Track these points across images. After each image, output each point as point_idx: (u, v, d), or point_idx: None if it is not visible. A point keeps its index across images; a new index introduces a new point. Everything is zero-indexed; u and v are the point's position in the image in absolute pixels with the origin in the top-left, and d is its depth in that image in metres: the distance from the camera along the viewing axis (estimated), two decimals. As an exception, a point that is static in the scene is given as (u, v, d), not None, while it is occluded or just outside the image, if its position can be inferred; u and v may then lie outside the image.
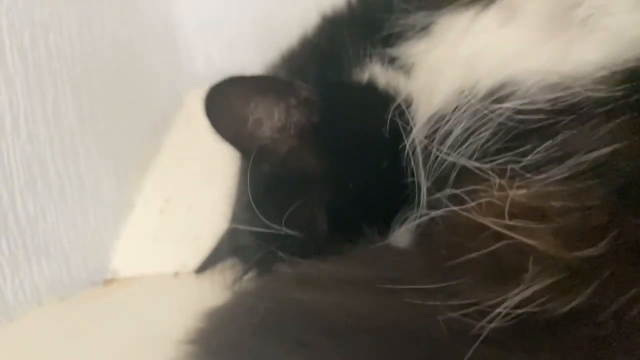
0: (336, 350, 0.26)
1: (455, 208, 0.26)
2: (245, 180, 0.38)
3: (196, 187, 0.64)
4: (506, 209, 0.24)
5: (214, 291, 0.48)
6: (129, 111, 0.68)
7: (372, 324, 0.26)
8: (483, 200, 0.25)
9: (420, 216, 0.33)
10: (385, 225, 0.36)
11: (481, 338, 0.22)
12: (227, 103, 0.35)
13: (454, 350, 0.22)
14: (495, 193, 0.25)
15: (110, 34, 0.65)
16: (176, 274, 0.56)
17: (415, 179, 0.34)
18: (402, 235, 0.35)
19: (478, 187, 0.26)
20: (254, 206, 0.36)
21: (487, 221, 0.24)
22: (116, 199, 0.64)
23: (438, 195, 0.28)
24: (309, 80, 0.39)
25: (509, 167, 0.25)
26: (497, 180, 0.25)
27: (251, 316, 0.33)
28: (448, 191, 0.27)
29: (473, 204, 0.25)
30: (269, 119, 0.37)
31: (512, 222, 0.23)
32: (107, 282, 0.58)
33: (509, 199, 0.24)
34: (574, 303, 0.21)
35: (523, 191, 0.24)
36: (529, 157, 0.25)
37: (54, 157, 0.56)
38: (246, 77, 0.36)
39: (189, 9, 0.77)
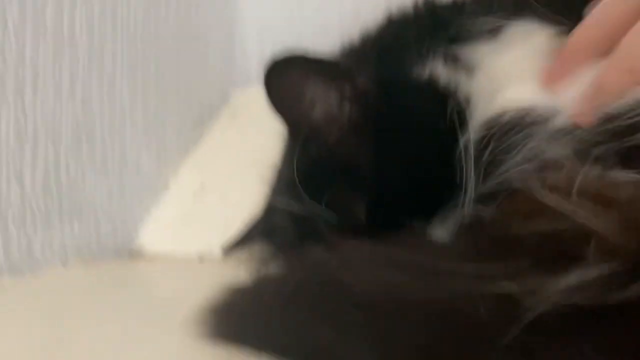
0: (370, 323, 0.25)
1: (519, 185, 0.25)
2: (290, 159, 0.38)
3: (232, 178, 0.64)
4: (574, 190, 0.23)
5: (238, 274, 0.47)
6: (178, 97, 0.69)
7: (410, 301, 0.25)
8: (549, 179, 0.24)
9: (467, 214, 0.33)
10: (426, 220, 0.35)
11: (527, 321, 0.21)
12: (286, 76, 0.36)
13: (497, 333, 0.22)
14: (564, 175, 0.24)
15: (173, 21, 0.67)
16: (201, 257, 0.56)
17: (465, 176, 0.33)
18: (442, 232, 0.34)
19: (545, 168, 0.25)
20: (298, 183, 0.36)
21: (552, 199, 0.23)
22: (153, 178, 0.64)
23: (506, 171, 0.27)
24: (367, 72, 0.39)
25: (578, 158, 0.25)
26: (567, 165, 0.24)
27: (280, 288, 0.32)
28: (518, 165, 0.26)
29: (538, 182, 0.24)
30: (324, 102, 0.37)
31: (578, 202, 0.22)
32: (132, 255, 0.58)
33: (577, 181, 0.23)
34: (629, 292, 0.20)
35: (593, 178, 0.23)
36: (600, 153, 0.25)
37: (102, 126, 0.58)
38: (309, 57, 0.36)
39: (250, 12, 0.80)
